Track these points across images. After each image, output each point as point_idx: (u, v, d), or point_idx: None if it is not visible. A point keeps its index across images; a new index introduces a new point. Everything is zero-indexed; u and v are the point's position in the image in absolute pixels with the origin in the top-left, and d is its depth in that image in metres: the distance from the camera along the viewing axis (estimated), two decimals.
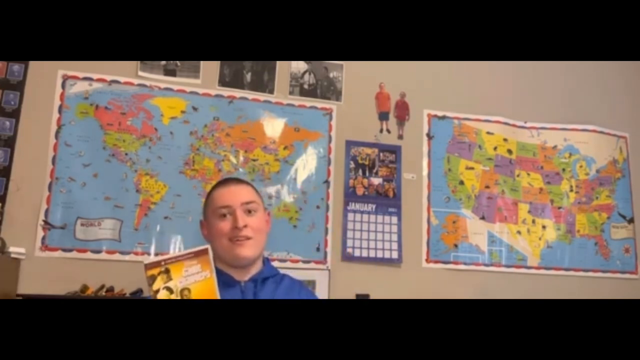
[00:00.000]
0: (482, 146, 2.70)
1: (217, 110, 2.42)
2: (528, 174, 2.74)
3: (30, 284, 2.07)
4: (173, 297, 1.07)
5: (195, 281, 1.09)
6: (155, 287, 1.07)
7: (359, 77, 2.63)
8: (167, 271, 1.08)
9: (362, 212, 2.48)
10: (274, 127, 2.48)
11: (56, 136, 2.23)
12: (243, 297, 1.25)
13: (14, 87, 2.23)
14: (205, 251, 1.11)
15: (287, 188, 2.44)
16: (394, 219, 2.51)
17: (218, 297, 1.10)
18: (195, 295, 1.08)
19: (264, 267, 1.34)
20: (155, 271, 1.08)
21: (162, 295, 1.07)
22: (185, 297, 1.08)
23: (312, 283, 2.29)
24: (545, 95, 2.85)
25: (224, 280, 1.19)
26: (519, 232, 2.65)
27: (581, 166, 2.80)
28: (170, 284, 1.08)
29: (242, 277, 1.28)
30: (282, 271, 1.40)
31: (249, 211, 1.29)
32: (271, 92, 2.52)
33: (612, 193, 2.80)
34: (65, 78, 2.29)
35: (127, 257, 2.20)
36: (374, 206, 2.50)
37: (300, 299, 1.32)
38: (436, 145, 2.66)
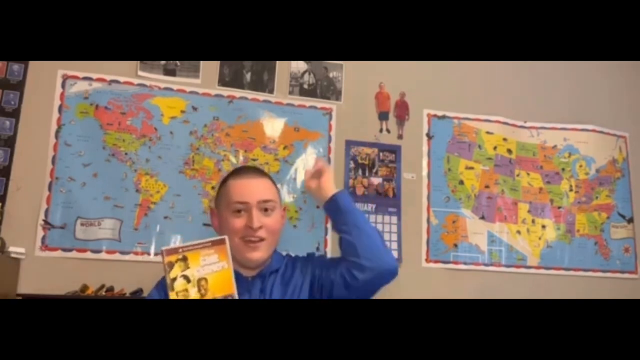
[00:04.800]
0: (482, 146, 2.70)
1: (217, 110, 2.42)
2: (528, 174, 2.74)
3: (30, 284, 2.07)
4: (190, 286, 1.05)
5: (213, 271, 1.07)
6: (172, 275, 1.05)
7: (359, 77, 2.63)
8: (184, 259, 1.06)
9: None
10: (274, 127, 2.48)
11: (56, 136, 2.23)
12: (250, 292, 1.21)
13: (14, 87, 2.23)
14: (222, 241, 1.09)
15: (287, 188, 2.44)
16: (394, 219, 2.51)
17: (235, 289, 1.07)
18: (212, 285, 1.06)
19: (272, 261, 1.28)
20: (173, 258, 1.06)
21: (180, 284, 1.05)
22: (202, 288, 1.06)
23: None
24: (545, 95, 2.85)
25: None
26: (519, 232, 2.65)
27: (581, 166, 2.80)
28: (188, 273, 1.06)
29: (249, 273, 1.24)
30: (289, 257, 1.35)
31: (266, 210, 1.22)
32: (271, 92, 2.52)
33: (612, 193, 2.80)
34: (65, 78, 2.29)
35: (127, 257, 2.20)
36: (374, 206, 2.50)
37: (299, 271, 1.28)
38: (436, 145, 2.66)
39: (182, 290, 1.05)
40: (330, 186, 1.36)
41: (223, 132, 2.41)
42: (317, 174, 1.36)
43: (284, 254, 1.35)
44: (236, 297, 1.08)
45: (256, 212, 1.20)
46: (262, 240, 1.20)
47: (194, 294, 1.05)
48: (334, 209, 1.33)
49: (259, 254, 1.21)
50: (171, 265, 1.05)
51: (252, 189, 1.22)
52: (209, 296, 1.06)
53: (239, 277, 1.18)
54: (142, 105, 2.34)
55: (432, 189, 2.61)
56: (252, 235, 1.19)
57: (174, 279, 1.05)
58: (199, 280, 1.06)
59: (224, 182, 1.27)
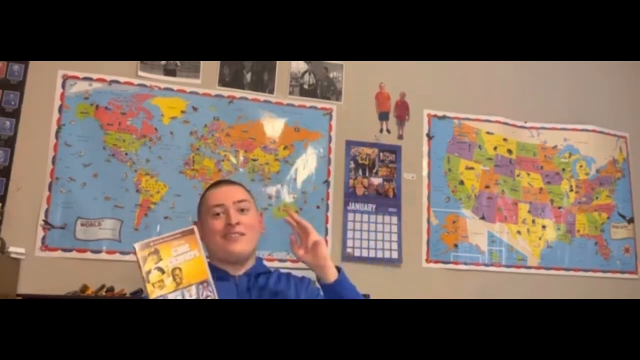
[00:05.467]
0: (482, 146, 2.70)
1: (217, 110, 2.42)
2: (528, 174, 2.74)
3: (30, 284, 2.08)
4: (165, 277, 1.10)
5: (185, 260, 1.12)
6: (146, 267, 1.09)
7: (359, 77, 2.63)
8: (156, 252, 1.11)
9: (362, 212, 2.48)
10: (274, 127, 2.48)
11: (56, 136, 2.23)
12: (237, 290, 1.28)
13: (14, 87, 2.23)
14: (191, 231, 1.14)
15: (287, 188, 2.44)
16: (394, 219, 2.51)
17: (209, 275, 1.13)
18: (186, 273, 1.11)
19: (257, 264, 1.37)
20: (145, 252, 1.10)
21: (154, 275, 1.09)
22: (176, 276, 1.11)
23: (312, 283, 2.29)
24: (545, 95, 2.85)
25: (218, 274, 1.22)
26: (519, 232, 2.65)
27: (581, 166, 2.80)
28: (161, 264, 1.10)
29: (236, 272, 1.31)
30: (281, 271, 1.42)
31: (242, 210, 1.33)
32: (271, 92, 2.52)
33: (612, 193, 2.80)
34: (65, 78, 2.29)
35: (127, 257, 2.20)
36: (374, 206, 2.50)
37: (294, 288, 1.35)
38: (436, 145, 2.66)
39: (157, 281, 1.10)
40: (330, 265, 1.26)
41: (223, 132, 2.41)
42: (312, 248, 1.25)
43: (273, 269, 1.41)
44: (210, 281, 1.13)
45: (233, 210, 1.31)
46: (241, 234, 1.30)
47: (169, 283, 1.10)
48: (330, 291, 1.26)
49: (240, 246, 1.30)
50: (144, 259, 1.10)
51: (227, 193, 1.35)
52: (184, 283, 1.11)
53: (226, 275, 1.29)
54: (142, 105, 2.34)
55: (432, 189, 2.61)
56: (231, 232, 1.29)
57: (148, 272, 1.09)
58: (173, 270, 1.11)
59: (202, 195, 1.40)
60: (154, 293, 1.08)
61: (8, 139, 2.19)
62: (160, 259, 1.10)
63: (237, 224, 1.29)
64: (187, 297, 1.10)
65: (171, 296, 1.09)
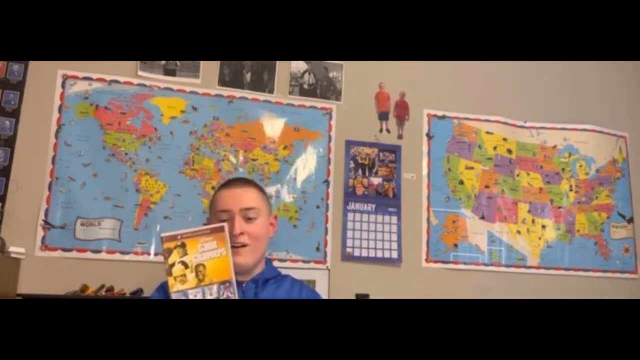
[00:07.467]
0: (482, 146, 2.70)
1: (217, 110, 2.42)
2: (528, 174, 2.74)
3: (30, 284, 2.08)
4: (188, 272, 1.09)
5: (211, 258, 1.11)
6: (171, 260, 1.09)
7: (359, 77, 2.63)
8: (183, 246, 1.10)
9: (362, 212, 2.48)
10: (274, 127, 2.48)
11: (56, 136, 2.23)
12: (244, 297, 1.24)
13: (14, 87, 2.23)
14: (221, 229, 1.13)
15: (287, 188, 2.44)
16: (394, 219, 2.51)
17: (233, 275, 1.11)
18: (210, 271, 1.10)
19: (266, 269, 1.33)
20: (171, 244, 1.09)
21: (177, 269, 1.08)
22: (200, 273, 1.10)
23: (312, 283, 2.29)
24: (545, 95, 2.85)
25: None
26: (519, 232, 2.65)
27: (581, 166, 2.80)
28: (186, 259, 1.10)
29: (243, 278, 1.27)
30: (283, 271, 1.40)
31: (249, 218, 1.27)
32: (271, 92, 2.52)
33: (612, 193, 2.80)
34: (65, 78, 2.29)
35: (127, 257, 2.20)
36: (374, 206, 2.50)
37: (301, 299, 1.32)
38: (436, 145, 2.66)
39: (179, 275, 1.09)
40: None
41: (223, 132, 2.41)
42: None
43: (282, 273, 1.37)
44: (234, 283, 1.11)
45: (238, 219, 1.25)
46: (244, 246, 1.25)
47: (191, 279, 1.09)
48: None
49: (242, 259, 1.24)
50: (169, 252, 1.10)
51: (236, 198, 1.28)
52: (207, 282, 1.10)
53: None
54: (142, 105, 2.34)
55: (432, 189, 2.61)
56: (234, 242, 1.23)
57: (172, 265, 1.09)
58: (197, 266, 1.10)
59: (215, 194, 1.34)
60: (175, 287, 1.07)
61: (8, 139, 2.19)
62: (186, 254, 1.09)
63: (241, 234, 1.24)
64: (207, 295, 1.09)
65: (192, 292, 1.08)
